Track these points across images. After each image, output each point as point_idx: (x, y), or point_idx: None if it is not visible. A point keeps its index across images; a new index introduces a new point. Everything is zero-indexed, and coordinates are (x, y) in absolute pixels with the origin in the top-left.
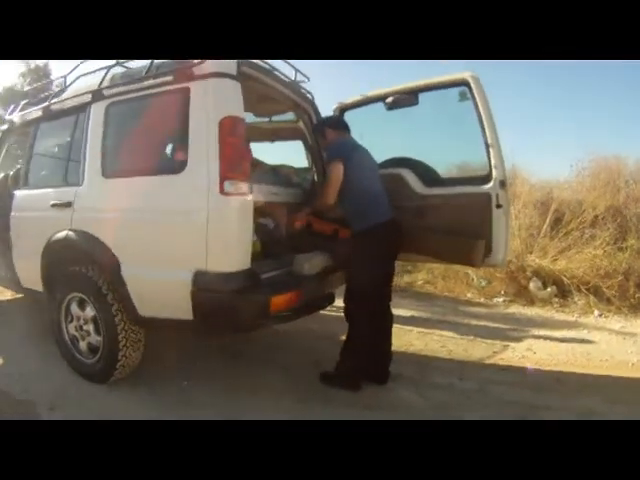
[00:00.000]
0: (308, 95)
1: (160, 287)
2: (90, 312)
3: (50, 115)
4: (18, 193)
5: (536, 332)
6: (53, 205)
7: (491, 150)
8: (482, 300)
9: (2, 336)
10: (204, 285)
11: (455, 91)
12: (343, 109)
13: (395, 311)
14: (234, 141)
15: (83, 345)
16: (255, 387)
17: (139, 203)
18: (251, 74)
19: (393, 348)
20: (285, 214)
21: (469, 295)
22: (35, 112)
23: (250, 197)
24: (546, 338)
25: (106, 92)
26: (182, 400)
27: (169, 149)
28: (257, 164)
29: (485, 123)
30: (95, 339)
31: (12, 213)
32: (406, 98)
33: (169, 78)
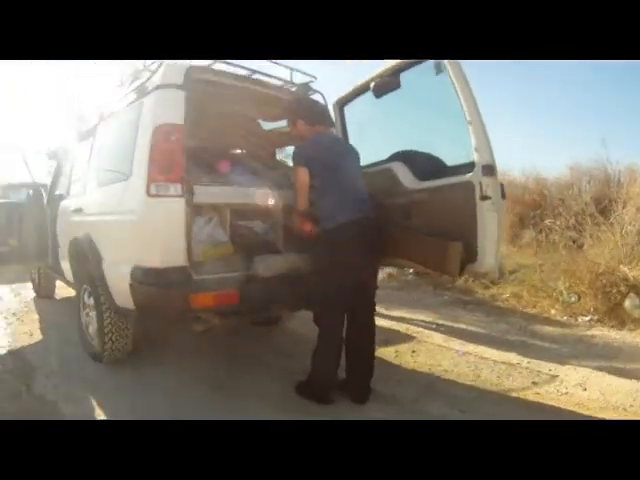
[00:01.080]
0: (316, 95)
1: (119, 280)
2: (92, 301)
3: (81, 137)
4: (62, 202)
5: (604, 362)
6: (73, 211)
7: (470, 128)
8: (564, 318)
9: (53, 324)
10: (137, 279)
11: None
12: (342, 104)
13: (452, 324)
14: (164, 146)
15: (91, 329)
16: (230, 389)
17: (109, 207)
18: (210, 79)
19: (415, 366)
20: (282, 216)
21: (553, 312)
22: (74, 137)
23: (180, 199)
24: (612, 371)
25: (105, 113)
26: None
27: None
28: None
29: (462, 98)
30: (95, 324)
31: (58, 219)
32: (388, 82)
33: (134, 96)
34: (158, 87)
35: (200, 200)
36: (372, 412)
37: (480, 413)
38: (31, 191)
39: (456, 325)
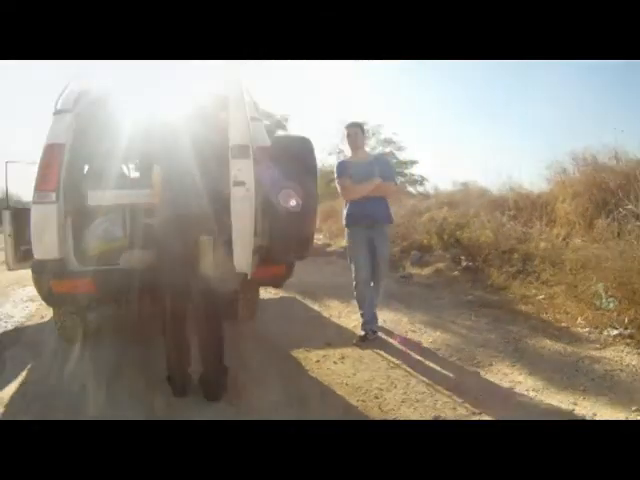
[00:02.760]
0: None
1: None
2: None
3: None
4: None
5: (566, 405)
6: None
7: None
8: (586, 330)
9: None
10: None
11: None
12: None
13: (426, 330)
14: (44, 162)
15: None
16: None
17: None
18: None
19: (322, 374)
20: None
21: (579, 320)
22: None
23: (53, 205)
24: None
25: None
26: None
27: None
28: None
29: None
30: None
31: None
32: None
33: None
34: (54, 113)
35: (95, 202)
36: (210, 412)
37: None
38: None
39: (433, 333)
